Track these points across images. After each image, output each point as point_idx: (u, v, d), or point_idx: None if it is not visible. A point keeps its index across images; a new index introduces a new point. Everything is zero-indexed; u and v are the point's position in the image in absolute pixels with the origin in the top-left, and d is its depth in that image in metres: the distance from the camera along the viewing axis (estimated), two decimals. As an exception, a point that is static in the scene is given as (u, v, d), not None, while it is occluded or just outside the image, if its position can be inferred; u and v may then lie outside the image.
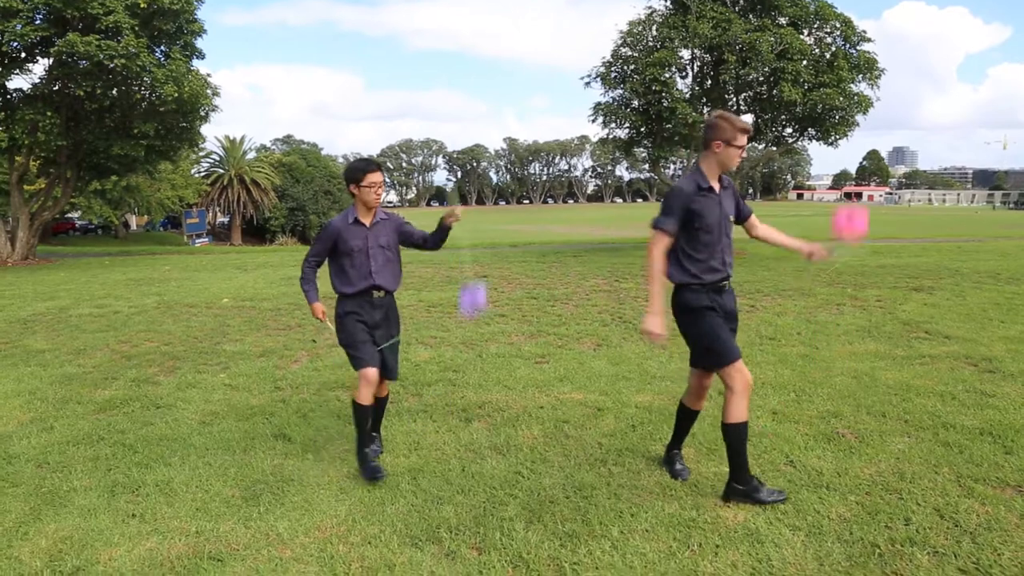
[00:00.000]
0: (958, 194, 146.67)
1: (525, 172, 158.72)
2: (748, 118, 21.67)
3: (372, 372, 4.16)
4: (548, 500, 3.84)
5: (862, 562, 3.16)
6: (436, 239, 4.37)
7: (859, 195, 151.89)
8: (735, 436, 3.74)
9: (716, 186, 3.82)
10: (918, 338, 7.58)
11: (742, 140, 3.74)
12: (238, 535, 3.53)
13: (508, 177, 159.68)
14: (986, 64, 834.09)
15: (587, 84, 21.28)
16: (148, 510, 3.81)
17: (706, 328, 3.79)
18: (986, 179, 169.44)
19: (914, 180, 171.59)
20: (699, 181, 3.78)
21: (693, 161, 20.12)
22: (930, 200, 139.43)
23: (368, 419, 4.26)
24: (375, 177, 4.18)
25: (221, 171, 55.48)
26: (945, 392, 5.58)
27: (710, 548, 3.31)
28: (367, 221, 4.27)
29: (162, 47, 20.65)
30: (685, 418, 4.19)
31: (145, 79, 19.25)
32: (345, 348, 4.33)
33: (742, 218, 4.05)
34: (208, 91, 20.79)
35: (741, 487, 3.76)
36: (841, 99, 18.71)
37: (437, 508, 3.77)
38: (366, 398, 4.18)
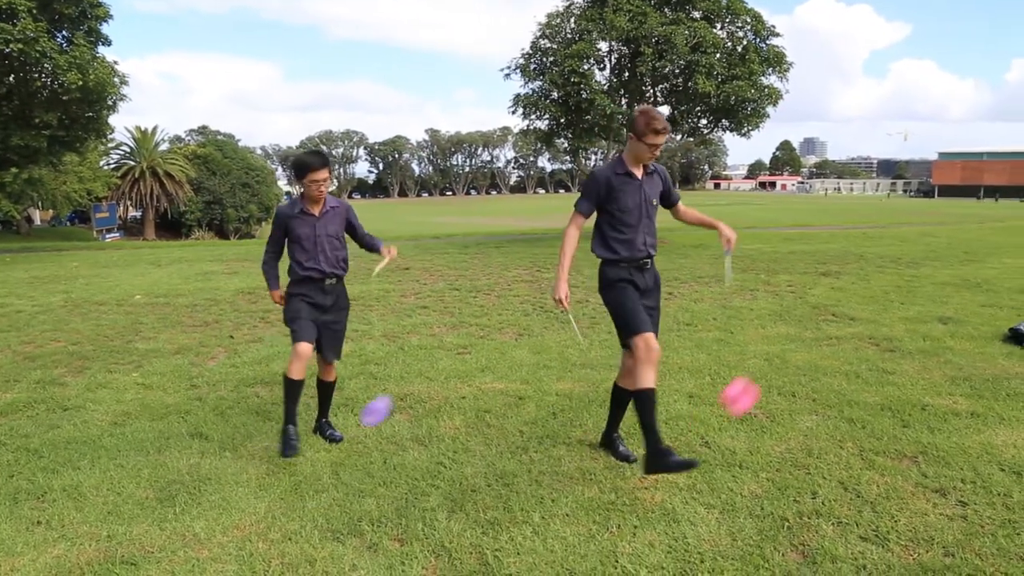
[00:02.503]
0: (864, 183, 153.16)
1: (448, 164, 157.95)
2: (665, 109, 22.11)
3: (304, 347, 4.26)
4: (470, 489, 3.86)
5: (772, 535, 3.30)
6: (369, 247, 4.63)
7: (773, 184, 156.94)
8: (640, 402, 3.75)
9: (637, 172, 3.97)
10: (826, 320, 7.91)
11: (652, 139, 3.83)
12: (152, 537, 3.44)
13: (431, 169, 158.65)
14: (888, 59, 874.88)
15: (507, 76, 21.33)
16: (55, 516, 3.66)
17: (619, 299, 3.95)
18: (889, 168, 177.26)
19: (824, 170, 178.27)
20: (616, 167, 3.97)
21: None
22: (838, 189, 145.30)
23: (297, 395, 4.34)
24: (317, 175, 4.25)
25: (132, 163, 53.22)
26: (850, 371, 5.86)
27: (628, 529, 3.39)
28: (315, 211, 4.37)
29: (64, 32, 19.64)
30: (620, 400, 4.24)
31: (46, 66, 18.28)
32: (287, 324, 4.42)
33: (669, 204, 4.21)
34: (116, 79, 19.90)
35: (653, 456, 3.70)
36: (752, 91, 19.27)
37: (359, 501, 3.75)
38: (296, 372, 4.25)
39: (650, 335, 3.82)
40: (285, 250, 4.49)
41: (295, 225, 4.35)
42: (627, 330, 3.87)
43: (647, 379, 3.72)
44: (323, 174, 4.25)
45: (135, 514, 3.67)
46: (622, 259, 3.95)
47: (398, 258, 4.39)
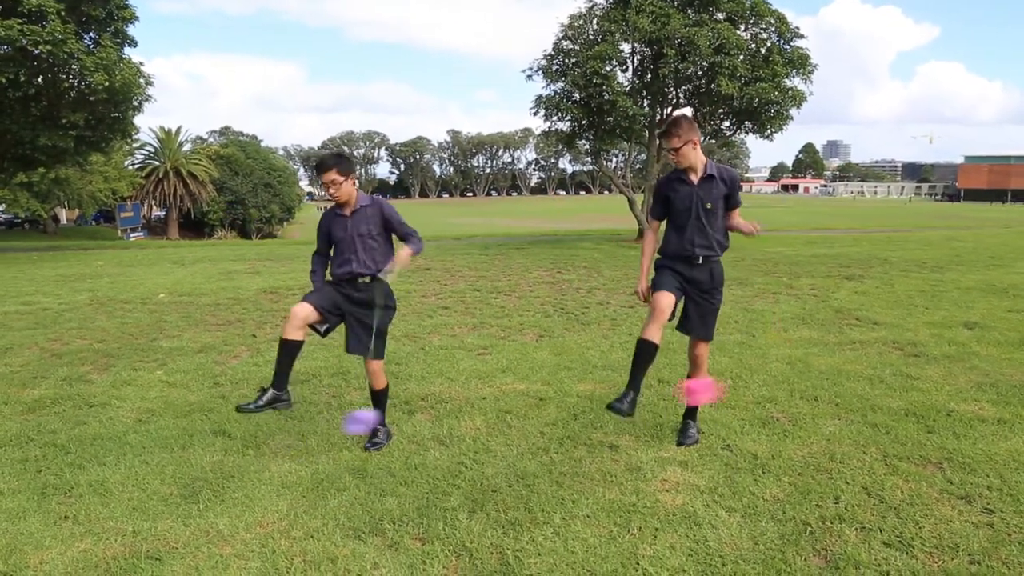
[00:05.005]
0: (888, 186, 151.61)
1: (469, 165, 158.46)
2: (687, 111, 22.04)
3: (299, 307, 4.30)
4: (491, 489, 3.87)
5: (794, 540, 3.28)
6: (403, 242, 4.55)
7: (795, 187, 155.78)
8: (637, 349, 4.10)
9: (692, 177, 4.23)
10: (849, 325, 7.84)
11: (664, 145, 4.24)
12: (177, 533, 3.48)
13: (452, 170, 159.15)
14: (915, 61, 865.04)
15: (529, 77, 21.30)
16: (82, 511, 3.72)
17: (656, 276, 4.34)
18: (914, 172, 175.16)
19: (847, 173, 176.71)
20: (672, 173, 4.33)
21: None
22: (862, 192, 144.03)
23: (290, 356, 4.34)
24: (324, 177, 4.29)
25: (156, 163, 53.94)
26: (873, 376, 5.79)
27: (649, 532, 3.38)
28: (346, 212, 4.40)
29: (91, 34, 19.92)
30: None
31: (73, 67, 18.55)
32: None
33: (727, 209, 4.37)
34: (141, 80, 20.16)
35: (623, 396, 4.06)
36: (776, 93, 19.13)
37: (380, 500, 3.77)
38: (288, 332, 4.29)
39: (660, 294, 4.13)
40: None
41: (333, 227, 4.41)
42: (652, 291, 4.25)
43: (648, 332, 4.06)
44: (330, 175, 4.24)
45: (160, 510, 3.72)
46: (669, 252, 4.31)
47: (409, 262, 4.38)
